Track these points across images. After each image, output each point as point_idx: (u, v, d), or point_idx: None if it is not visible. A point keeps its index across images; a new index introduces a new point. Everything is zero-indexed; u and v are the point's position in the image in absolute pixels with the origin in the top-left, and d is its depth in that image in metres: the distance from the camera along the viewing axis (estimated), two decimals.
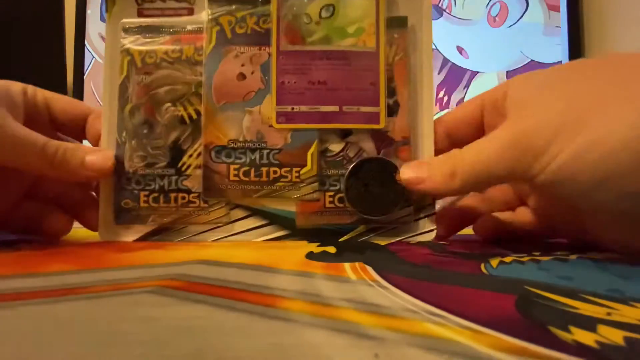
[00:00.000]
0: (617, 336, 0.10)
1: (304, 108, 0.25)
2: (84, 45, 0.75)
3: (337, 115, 0.25)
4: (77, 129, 0.27)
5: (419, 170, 0.23)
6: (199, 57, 0.26)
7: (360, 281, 0.15)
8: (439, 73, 0.69)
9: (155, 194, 0.25)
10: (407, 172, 0.23)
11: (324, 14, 0.26)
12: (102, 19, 0.77)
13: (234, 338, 0.10)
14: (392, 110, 0.26)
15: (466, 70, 0.77)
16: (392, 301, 0.13)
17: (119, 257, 0.20)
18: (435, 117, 0.26)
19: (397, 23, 0.26)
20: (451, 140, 0.25)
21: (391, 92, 0.26)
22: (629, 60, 0.19)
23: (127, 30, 0.26)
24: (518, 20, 0.77)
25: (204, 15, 0.26)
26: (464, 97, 0.76)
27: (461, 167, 0.21)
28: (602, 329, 0.10)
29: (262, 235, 0.26)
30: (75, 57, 0.74)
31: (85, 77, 0.74)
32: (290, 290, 0.14)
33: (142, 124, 0.25)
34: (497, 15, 0.77)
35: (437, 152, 0.25)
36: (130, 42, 0.26)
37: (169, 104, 0.26)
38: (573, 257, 0.20)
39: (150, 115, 0.26)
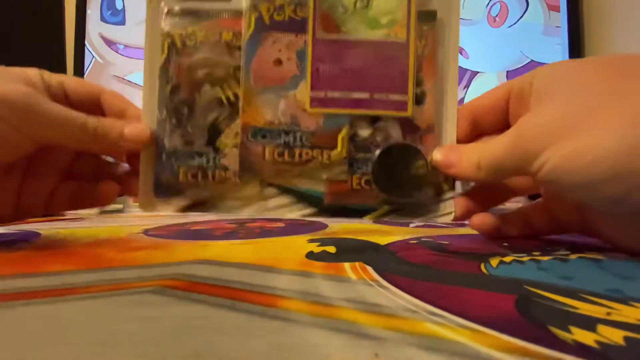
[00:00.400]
0: (617, 336, 0.10)
1: (336, 94, 0.27)
2: (84, 45, 0.75)
3: (367, 102, 0.27)
4: (88, 107, 0.28)
5: (451, 154, 0.24)
6: (237, 42, 0.27)
7: (360, 281, 0.15)
8: None
9: (194, 170, 0.26)
10: (439, 155, 0.25)
11: (358, 5, 0.27)
12: (102, 19, 0.77)
13: (234, 338, 0.10)
14: (419, 99, 0.27)
15: (466, 70, 0.77)
16: (392, 301, 0.13)
17: (118, 257, 0.20)
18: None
19: (427, 16, 0.27)
20: (475, 127, 0.27)
21: (419, 81, 0.27)
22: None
23: (167, 14, 0.28)
24: (518, 20, 0.77)
25: (243, 1, 0.27)
26: (464, 97, 0.76)
27: (484, 158, 0.23)
28: (602, 328, 0.10)
29: (292, 212, 0.27)
30: (75, 57, 0.75)
31: (85, 77, 0.74)
32: (290, 290, 0.14)
33: (182, 104, 0.27)
34: (497, 15, 0.77)
35: (459, 140, 0.26)
36: (170, 25, 0.27)
37: (207, 86, 0.27)
38: (573, 257, 0.20)
39: (190, 96, 0.27)
